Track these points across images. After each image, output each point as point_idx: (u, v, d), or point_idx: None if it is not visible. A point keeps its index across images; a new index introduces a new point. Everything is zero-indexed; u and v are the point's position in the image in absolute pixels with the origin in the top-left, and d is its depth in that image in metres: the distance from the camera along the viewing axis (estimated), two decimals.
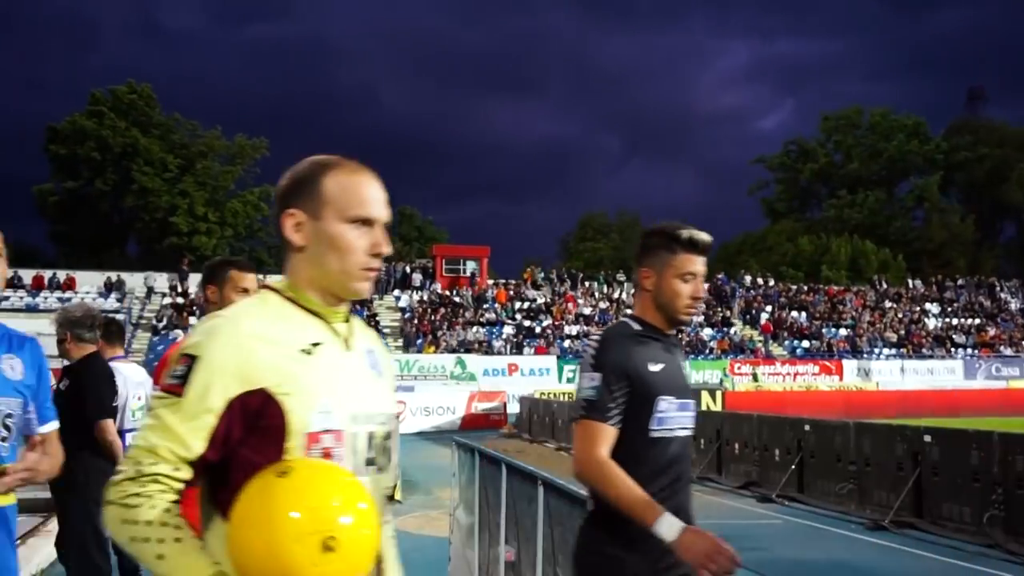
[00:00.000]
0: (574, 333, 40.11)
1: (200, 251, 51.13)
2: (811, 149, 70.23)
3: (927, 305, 46.83)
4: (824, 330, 43.20)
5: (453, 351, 36.25)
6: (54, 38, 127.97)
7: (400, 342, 37.86)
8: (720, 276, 48.71)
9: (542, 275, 47.11)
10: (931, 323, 44.89)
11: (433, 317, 39.65)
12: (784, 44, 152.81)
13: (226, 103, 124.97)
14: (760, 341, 42.33)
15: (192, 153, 54.35)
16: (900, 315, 45.45)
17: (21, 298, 37.03)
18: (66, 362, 5.14)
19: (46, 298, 36.88)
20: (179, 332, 35.32)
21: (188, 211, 52.27)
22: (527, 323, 40.56)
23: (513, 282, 45.52)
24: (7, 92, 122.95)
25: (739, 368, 37.69)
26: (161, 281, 40.89)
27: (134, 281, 40.51)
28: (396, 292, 42.91)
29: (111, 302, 36.36)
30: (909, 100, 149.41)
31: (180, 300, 38.33)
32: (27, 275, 38.00)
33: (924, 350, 41.63)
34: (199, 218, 52.56)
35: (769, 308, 45.36)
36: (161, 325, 36.22)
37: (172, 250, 49.70)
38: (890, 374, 37.59)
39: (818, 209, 71.19)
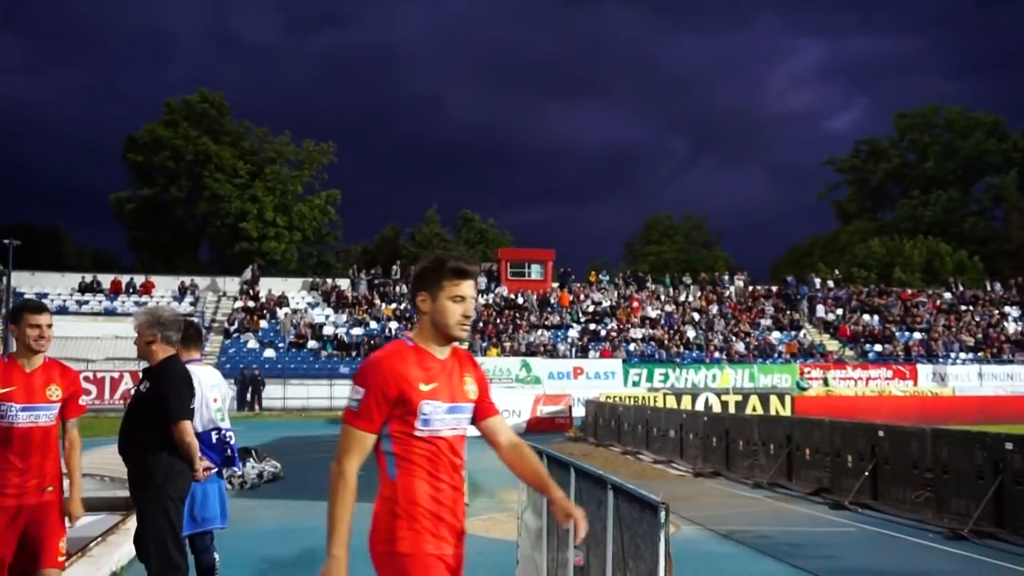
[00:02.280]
0: (639, 336, 39.83)
1: (270, 255, 52.11)
2: (884, 148, 68.65)
3: (1006, 308, 45.34)
4: (898, 334, 42.15)
5: (518, 354, 36.29)
6: (133, 50, 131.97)
7: (465, 345, 38.04)
8: (789, 279, 47.89)
9: (607, 278, 46.90)
10: (1011, 327, 43.46)
11: (498, 320, 39.75)
12: (858, 42, 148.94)
13: (295, 110, 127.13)
14: (831, 345, 41.51)
15: (261, 159, 55.46)
16: (977, 318, 44.11)
17: (100, 302, 38.22)
18: (144, 364, 5.28)
19: (123, 302, 37.98)
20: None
21: (258, 216, 53.31)
22: (592, 326, 40.40)
23: (578, 285, 45.39)
24: (88, 103, 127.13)
25: (809, 372, 36.99)
26: (232, 285, 41.79)
27: (206, 285, 41.49)
28: None
29: (185, 306, 37.27)
30: (987, 98, 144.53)
31: (251, 304, 39.10)
32: (106, 280, 39.21)
33: (1004, 355, 40.33)
34: (268, 223, 53.55)
35: (840, 311, 44.44)
36: (232, 328, 36.99)
37: (243, 255, 50.74)
38: (967, 379, 36.49)
39: (890, 210, 69.52)
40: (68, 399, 4.70)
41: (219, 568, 5.87)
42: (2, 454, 4.44)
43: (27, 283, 37.70)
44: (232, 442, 5.89)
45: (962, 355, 40.21)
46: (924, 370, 37.64)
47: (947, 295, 46.66)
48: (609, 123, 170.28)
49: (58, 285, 38.78)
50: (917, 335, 42.06)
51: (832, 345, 41.65)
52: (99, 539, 7.53)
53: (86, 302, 37.93)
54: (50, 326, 4.72)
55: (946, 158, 65.05)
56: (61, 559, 4.70)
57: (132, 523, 6.28)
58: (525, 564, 5.97)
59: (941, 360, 39.49)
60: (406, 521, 2.99)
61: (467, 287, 3.12)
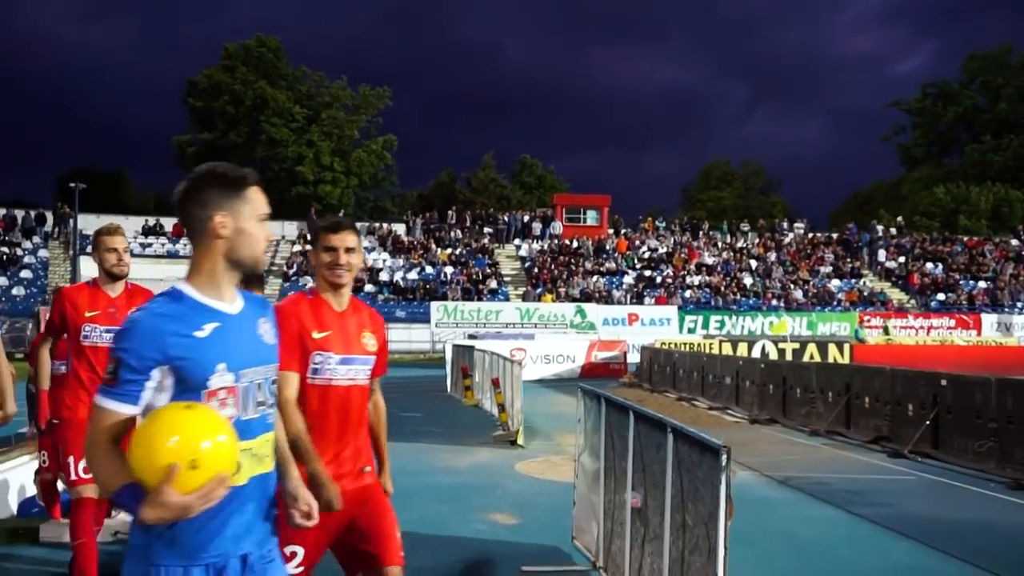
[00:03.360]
0: (696, 283, 39.51)
1: (326, 200, 52.50)
2: (953, 91, 66.24)
3: None
4: (962, 282, 41.15)
5: (573, 300, 36.29)
6: None
7: (520, 290, 38.12)
8: (850, 226, 46.93)
9: (663, 224, 46.45)
10: None
11: (553, 266, 39.71)
12: None
13: (351, 55, 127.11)
14: (892, 294, 40.73)
15: (318, 104, 55.55)
16: None
17: (163, 245, 39.03)
18: None
19: (185, 245, 38.61)
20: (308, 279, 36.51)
21: (315, 160, 53.62)
22: (648, 273, 40.15)
23: (634, 231, 45.04)
24: (150, 49, 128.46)
25: (869, 321, 36.39)
26: (290, 229, 42.31)
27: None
28: (516, 241, 43.12)
29: None
30: None
31: (309, 247, 39.58)
32: (168, 223, 39.92)
33: None
34: (325, 167, 53.85)
35: (902, 259, 43.49)
36: (291, 271, 37.54)
37: (300, 199, 51.22)
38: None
39: (958, 156, 67.34)
40: None
41: None
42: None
43: (92, 225, 38.33)
44: None
45: None
46: (988, 320, 36.77)
47: (1015, 243, 45.31)
48: (667, 68, 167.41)
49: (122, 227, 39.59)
50: (983, 284, 41.01)
51: (894, 293, 40.86)
52: None
53: (149, 245, 38.74)
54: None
55: (1020, 101, 62.62)
56: None
57: None
58: (582, 504, 6.02)
59: (1007, 310, 38.51)
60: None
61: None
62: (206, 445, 2.03)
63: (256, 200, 2.33)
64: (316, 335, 3.18)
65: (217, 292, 2.30)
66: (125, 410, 2.13)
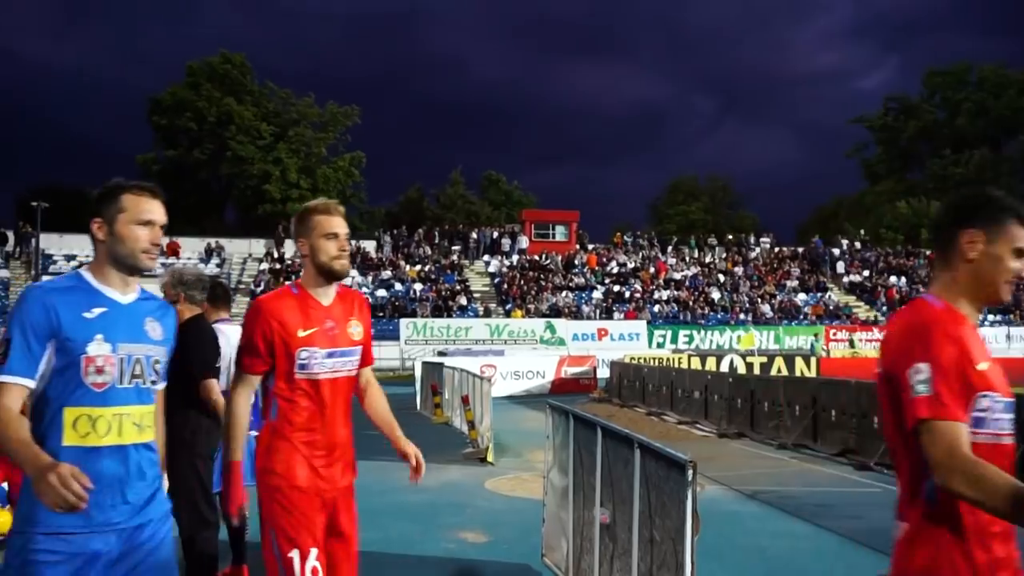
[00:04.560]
0: (664, 298, 39.71)
1: (294, 217, 52.16)
2: (914, 106, 67.35)
3: None
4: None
5: (543, 316, 36.32)
6: (155, 11, 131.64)
7: (490, 307, 38.10)
8: (815, 240, 47.46)
9: (631, 240, 46.69)
10: None
11: (522, 282, 39.74)
12: None
13: (319, 71, 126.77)
14: (857, 307, 41.19)
15: (285, 121, 55.34)
16: None
17: None
18: None
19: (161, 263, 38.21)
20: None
21: (281, 178, 53.34)
22: (617, 288, 40.31)
23: (603, 247, 45.23)
24: (113, 65, 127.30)
25: (835, 334, 36.76)
26: (257, 247, 42.03)
27: (233, 247, 41.73)
28: (486, 257, 43.12)
29: (211, 267, 37.53)
30: (1020, 57, 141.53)
31: (277, 265, 39.33)
32: None
33: None
34: (292, 185, 53.57)
35: (866, 273, 44.03)
36: (259, 289, 37.23)
37: (267, 216, 50.89)
38: (996, 341, 36.09)
39: (920, 170, 68.41)
40: None
41: (248, 524, 5.94)
42: None
43: (55, 244, 38.02)
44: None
45: (991, 316, 39.75)
46: None
47: None
48: (634, 83, 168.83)
49: (86, 247, 38.82)
50: None
51: (858, 307, 41.33)
52: None
53: None
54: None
55: (978, 116, 63.82)
56: None
57: (163, 480, 6.34)
58: (552, 522, 6.00)
59: None
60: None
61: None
62: None
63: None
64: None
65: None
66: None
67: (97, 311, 2.58)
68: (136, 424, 2.63)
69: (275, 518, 3.13)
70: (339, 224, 3.29)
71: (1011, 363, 29.37)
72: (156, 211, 2.70)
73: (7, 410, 2.42)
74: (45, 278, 32.66)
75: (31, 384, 2.48)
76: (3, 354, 2.46)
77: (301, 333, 3.18)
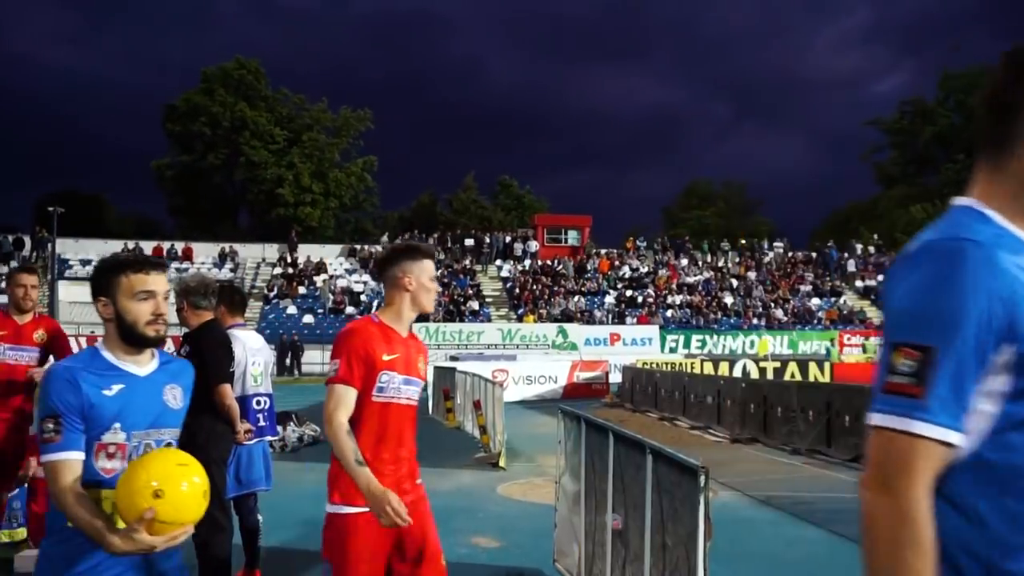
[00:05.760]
0: (677, 303, 39.63)
1: (306, 222, 52.41)
2: (930, 109, 67.01)
3: None
4: None
5: (555, 320, 36.30)
6: (172, 18, 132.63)
7: (502, 311, 38.11)
8: (829, 245, 47.28)
9: (644, 244, 46.62)
10: None
11: (534, 287, 39.74)
12: (906, 2, 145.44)
13: (332, 77, 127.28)
14: (872, 312, 41.00)
15: (298, 126, 55.57)
16: None
17: None
18: (185, 329, 5.33)
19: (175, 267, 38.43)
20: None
21: (295, 183, 53.54)
22: (629, 293, 40.25)
23: (616, 251, 45.18)
24: (129, 71, 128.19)
25: (849, 339, 36.59)
26: (271, 252, 42.19)
27: (246, 252, 41.89)
28: (498, 262, 43.15)
29: (225, 272, 37.68)
30: None
31: (290, 270, 39.46)
32: (148, 246, 39.66)
33: None
34: (305, 190, 53.76)
35: (881, 278, 43.80)
36: (272, 294, 37.37)
37: (280, 221, 51.08)
38: None
39: (934, 174, 68.07)
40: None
41: (262, 529, 5.96)
42: None
43: (71, 249, 38.30)
44: (264, 407, 5.91)
45: None
46: None
47: None
48: (649, 87, 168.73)
49: (102, 251, 39.31)
50: None
51: (873, 312, 41.14)
52: None
53: None
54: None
55: None
56: None
57: None
58: (563, 527, 6.00)
59: None
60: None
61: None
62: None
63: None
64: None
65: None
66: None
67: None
68: None
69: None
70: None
71: None
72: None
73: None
74: (61, 283, 32.91)
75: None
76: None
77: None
